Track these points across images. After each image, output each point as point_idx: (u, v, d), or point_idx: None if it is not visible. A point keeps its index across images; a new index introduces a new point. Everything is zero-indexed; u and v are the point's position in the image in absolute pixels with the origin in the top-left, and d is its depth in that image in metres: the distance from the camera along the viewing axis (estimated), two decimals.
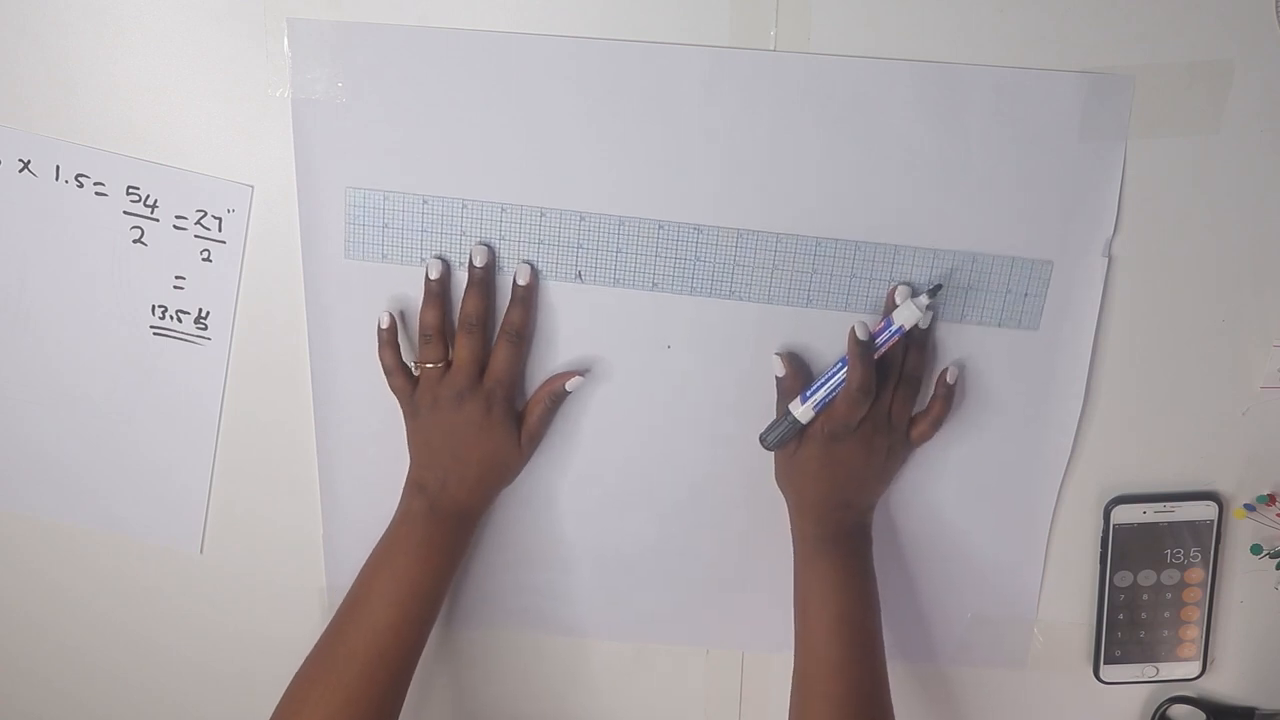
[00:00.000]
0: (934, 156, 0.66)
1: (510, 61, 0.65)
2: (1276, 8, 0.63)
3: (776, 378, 0.70)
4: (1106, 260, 0.68)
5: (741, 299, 0.69)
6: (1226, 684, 0.78)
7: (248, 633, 0.80)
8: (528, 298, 0.69)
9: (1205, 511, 0.73)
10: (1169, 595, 0.75)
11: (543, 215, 0.68)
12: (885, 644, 0.69)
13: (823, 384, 0.67)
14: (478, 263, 0.68)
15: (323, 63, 0.66)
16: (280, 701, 0.67)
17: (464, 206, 0.68)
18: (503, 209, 0.68)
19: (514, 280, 0.69)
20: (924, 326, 0.68)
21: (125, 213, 0.70)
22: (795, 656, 0.67)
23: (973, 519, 0.74)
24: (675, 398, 0.72)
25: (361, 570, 0.70)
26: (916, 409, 0.71)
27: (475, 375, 0.68)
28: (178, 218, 0.70)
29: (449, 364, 0.69)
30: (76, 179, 0.70)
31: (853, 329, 0.66)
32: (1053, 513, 0.74)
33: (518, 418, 0.70)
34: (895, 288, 0.68)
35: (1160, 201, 0.67)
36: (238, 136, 0.68)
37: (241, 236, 0.70)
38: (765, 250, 0.68)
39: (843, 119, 0.65)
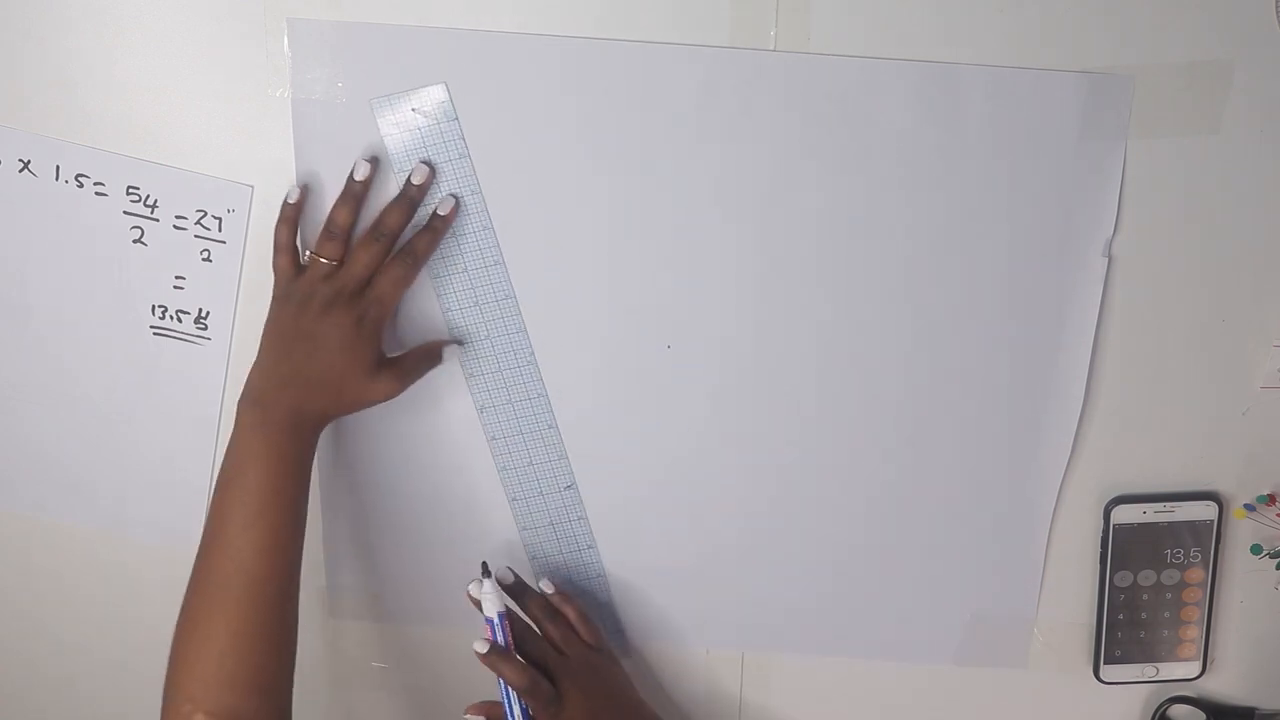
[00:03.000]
0: (934, 157, 0.66)
1: (510, 62, 0.65)
2: (1276, 8, 0.63)
3: None
4: (1106, 260, 0.68)
5: (741, 299, 0.69)
6: (1226, 684, 0.78)
7: None
8: (441, 228, 0.67)
9: (1205, 511, 0.73)
10: (1169, 595, 0.75)
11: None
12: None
13: (509, 708, 0.67)
14: (415, 180, 0.66)
15: (323, 63, 0.66)
16: (170, 654, 0.64)
17: (473, 194, 0.68)
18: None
19: (434, 210, 0.67)
20: (506, 607, 0.68)
21: (125, 213, 0.70)
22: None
23: (973, 518, 0.74)
24: (672, 400, 0.72)
25: (212, 501, 0.65)
26: None
27: (362, 287, 0.66)
28: (178, 218, 0.70)
29: (338, 269, 0.66)
30: (76, 179, 0.70)
31: (474, 650, 0.66)
32: (1053, 512, 0.74)
33: (380, 351, 0.67)
34: (467, 592, 0.68)
35: (1160, 201, 0.67)
36: (238, 136, 0.68)
37: (241, 236, 0.70)
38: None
39: (843, 119, 0.65)
